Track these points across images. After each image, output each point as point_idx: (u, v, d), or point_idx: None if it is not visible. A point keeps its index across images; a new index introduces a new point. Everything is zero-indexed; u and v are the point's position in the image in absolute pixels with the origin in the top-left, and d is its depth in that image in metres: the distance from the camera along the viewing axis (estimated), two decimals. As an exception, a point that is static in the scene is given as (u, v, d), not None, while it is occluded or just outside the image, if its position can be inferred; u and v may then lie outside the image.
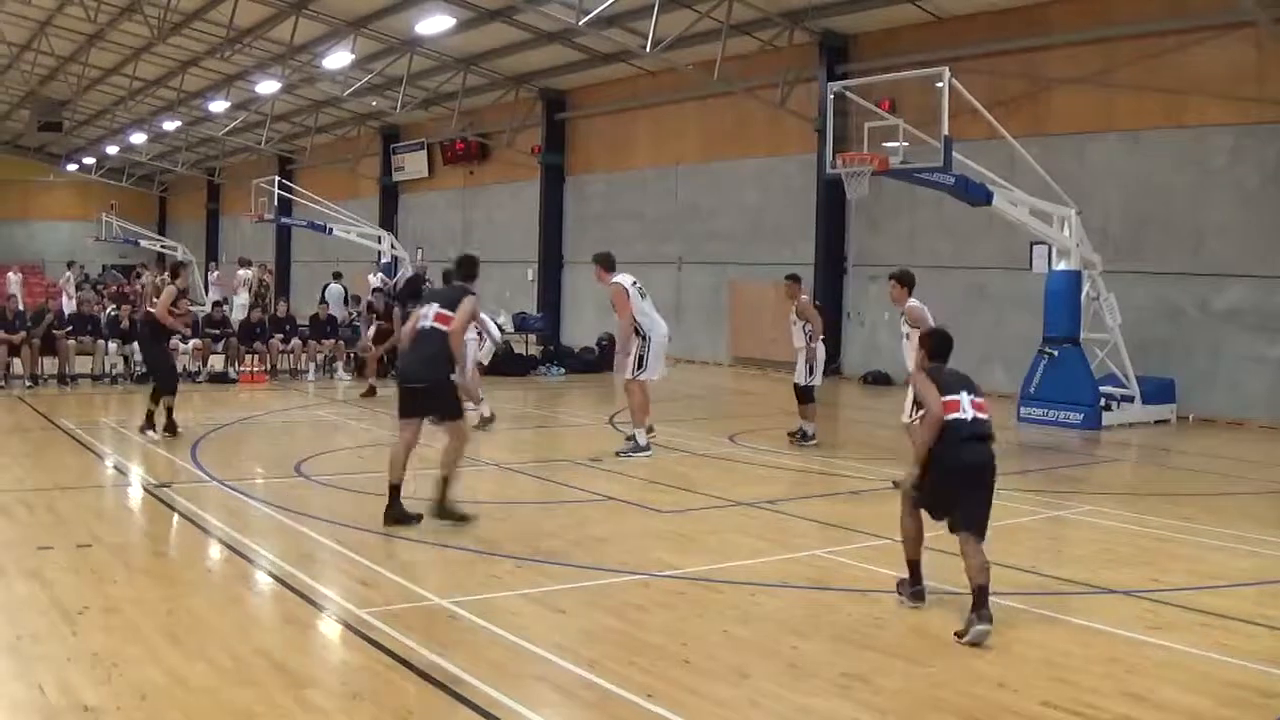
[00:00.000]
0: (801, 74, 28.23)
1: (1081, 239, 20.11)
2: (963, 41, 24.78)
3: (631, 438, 15.64)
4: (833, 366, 22.19)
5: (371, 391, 21.66)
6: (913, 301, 14.23)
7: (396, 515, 10.65)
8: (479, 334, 17.43)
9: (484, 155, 41.45)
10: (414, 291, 20.29)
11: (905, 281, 14.39)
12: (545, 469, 14.64)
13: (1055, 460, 16.00)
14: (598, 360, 29.01)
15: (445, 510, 10.72)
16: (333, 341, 26.19)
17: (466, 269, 11.65)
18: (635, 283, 15.89)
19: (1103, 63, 23.06)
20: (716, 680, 6.71)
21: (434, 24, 30.14)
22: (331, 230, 34.11)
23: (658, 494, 12.77)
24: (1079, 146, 23.31)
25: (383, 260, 33.98)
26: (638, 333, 15.55)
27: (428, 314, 11.06)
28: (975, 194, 18.36)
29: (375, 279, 29.96)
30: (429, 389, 10.95)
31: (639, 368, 15.55)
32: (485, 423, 17.32)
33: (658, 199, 34.34)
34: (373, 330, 24.04)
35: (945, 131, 17.24)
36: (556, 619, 7.95)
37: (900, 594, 8.45)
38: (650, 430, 15.90)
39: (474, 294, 11.26)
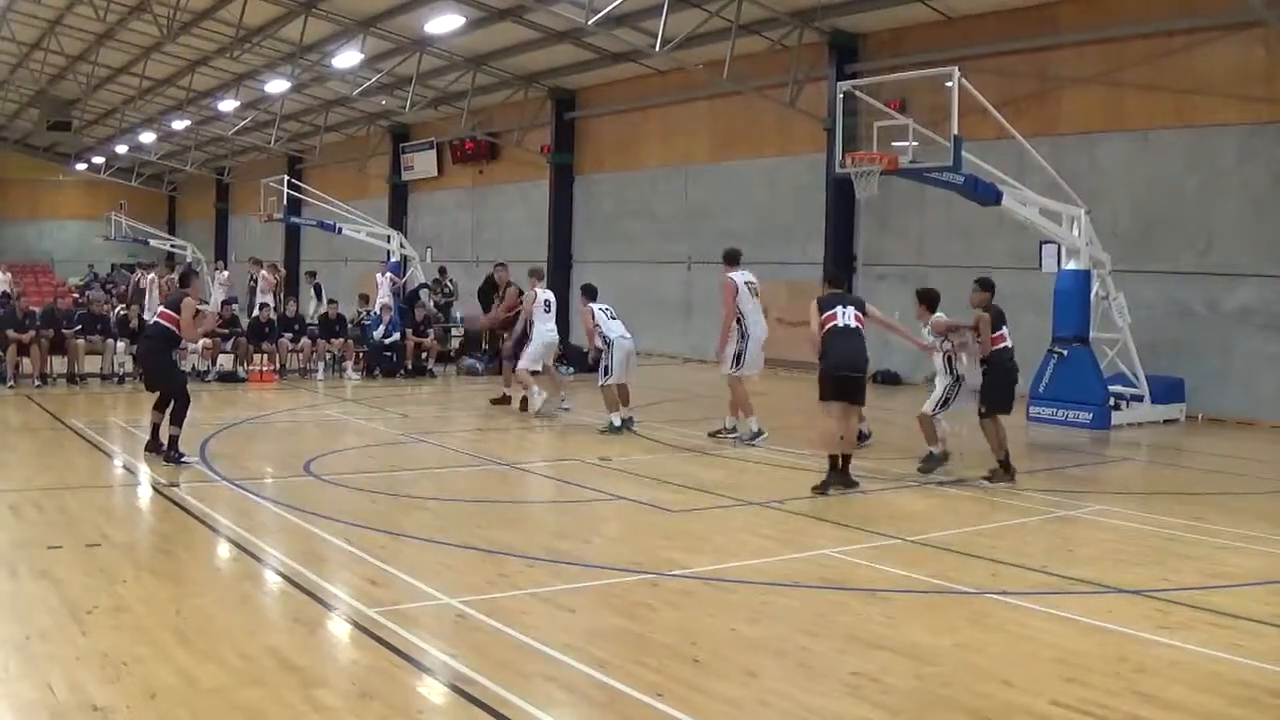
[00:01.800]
0: (811, 73, 28.14)
1: (1091, 238, 20.08)
2: (972, 41, 24.75)
3: (734, 429, 17.00)
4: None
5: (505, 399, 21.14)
6: (938, 315, 14.65)
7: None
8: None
9: (493, 155, 41.40)
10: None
11: (924, 299, 14.90)
12: (554, 468, 14.64)
13: (1065, 460, 15.97)
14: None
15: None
16: (342, 341, 26.18)
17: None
18: (749, 281, 16.93)
19: (1112, 62, 23.02)
20: (726, 680, 6.70)
21: (444, 23, 30.17)
22: (341, 229, 34.10)
23: (668, 493, 12.75)
24: (1088, 146, 23.27)
25: (392, 259, 33.99)
26: (740, 329, 16.55)
27: (846, 313, 13.14)
28: (985, 193, 18.34)
29: (385, 279, 29.98)
30: (861, 378, 13.29)
31: (738, 364, 16.63)
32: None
33: (667, 198, 34.31)
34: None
35: (955, 131, 17.21)
36: (566, 618, 7.94)
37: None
38: (732, 430, 17.15)
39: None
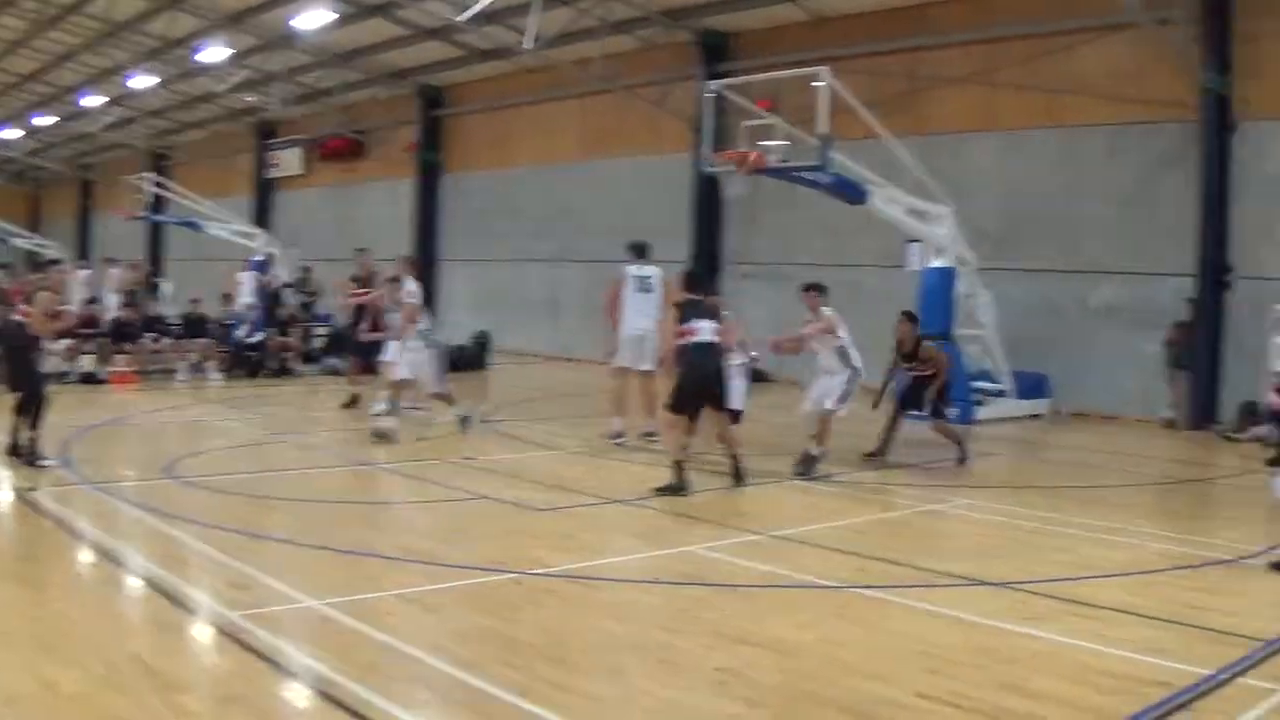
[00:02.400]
0: (681, 72, 28.17)
1: (957, 237, 20.27)
2: (843, 41, 24.87)
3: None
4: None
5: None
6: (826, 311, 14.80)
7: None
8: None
9: (360, 152, 40.97)
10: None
11: (815, 289, 15.17)
12: (418, 468, 14.42)
13: (930, 455, 16.07)
14: (472, 357, 28.68)
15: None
16: (204, 341, 25.67)
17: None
18: (643, 276, 16.83)
19: (984, 63, 23.32)
20: (592, 678, 6.64)
21: (312, 18, 29.74)
22: (204, 227, 33.49)
23: (533, 492, 12.60)
24: (958, 146, 23.53)
25: (256, 258, 33.44)
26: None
27: (705, 326, 13.30)
28: (852, 193, 18.43)
29: (247, 276, 29.46)
30: (719, 392, 13.37)
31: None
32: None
33: (535, 197, 34.14)
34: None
35: (823, 130, 17.27)
36: (430, 619, 7.83)
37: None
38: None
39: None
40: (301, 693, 6.36)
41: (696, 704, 6.25)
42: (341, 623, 7.51)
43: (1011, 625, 7.81)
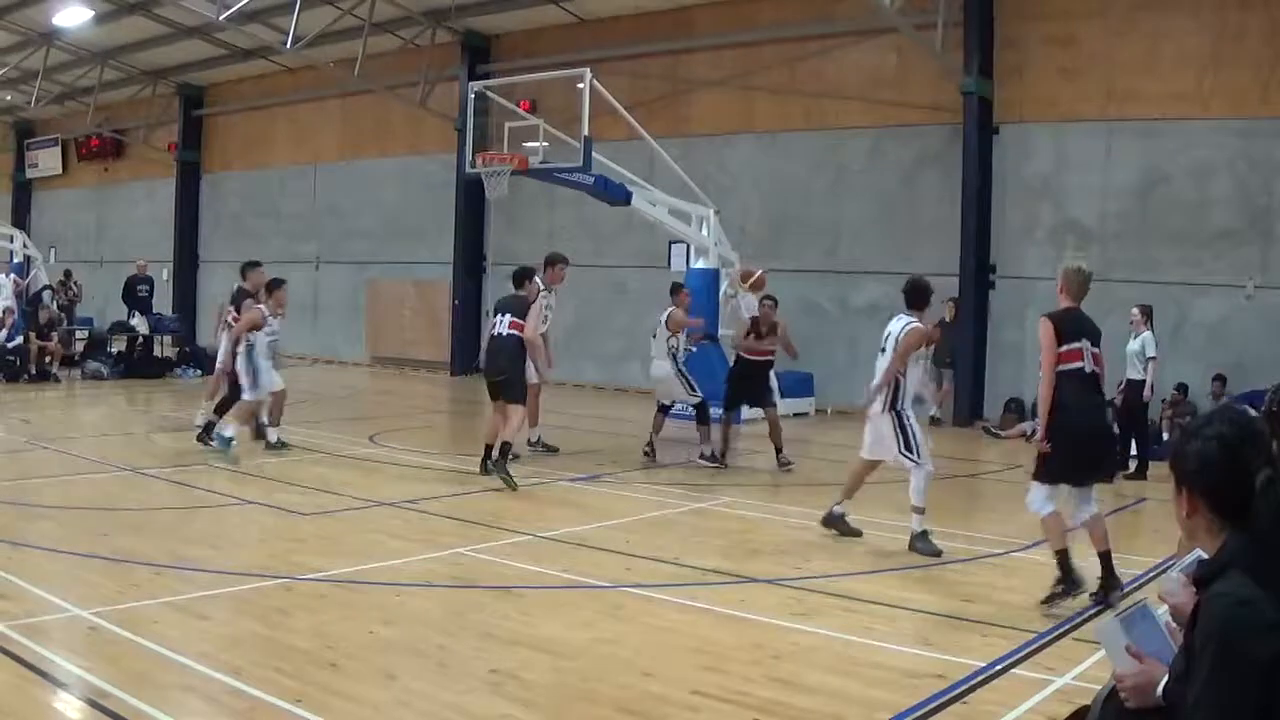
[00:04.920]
0: (443, 73, 28.01)
1: (720, 238, 20.48)
2: (605, 43, 25.01)
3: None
4: (474, 364, 22.03)
5: None
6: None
7: None
8: None
9: (119, 152, 39.84)
10: None
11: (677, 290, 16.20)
12: (181, 473, 13.96)
13: (696, 453, 16.15)
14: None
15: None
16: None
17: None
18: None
19: (744, 66, 23.63)
20: (365, 682, 6.47)
21: (72, 15, 28.79)
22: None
23: (298, 496, 12.34)
24: (719, 147, 23.82)
25: (14, 260, 32.22)
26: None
27: (503, 320, 13.61)
28: (614, 194, 18.50)
29: (7, 280, 28.37)
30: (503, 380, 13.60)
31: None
32: None
33: (296, 197, 33.68)
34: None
35: (585, 132, 17.38)
36: (200, 626, 7.53)
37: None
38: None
39: None
40: (73, 704, 6.10)
41: (471, 707, 6.14)
42: (111, 632, 7.21)
43: (783, 621, 7.85)
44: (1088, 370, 8.40)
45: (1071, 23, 20.13)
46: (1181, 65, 19.07)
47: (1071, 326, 8.44)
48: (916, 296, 10.95)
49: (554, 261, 15.82)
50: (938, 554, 10.16)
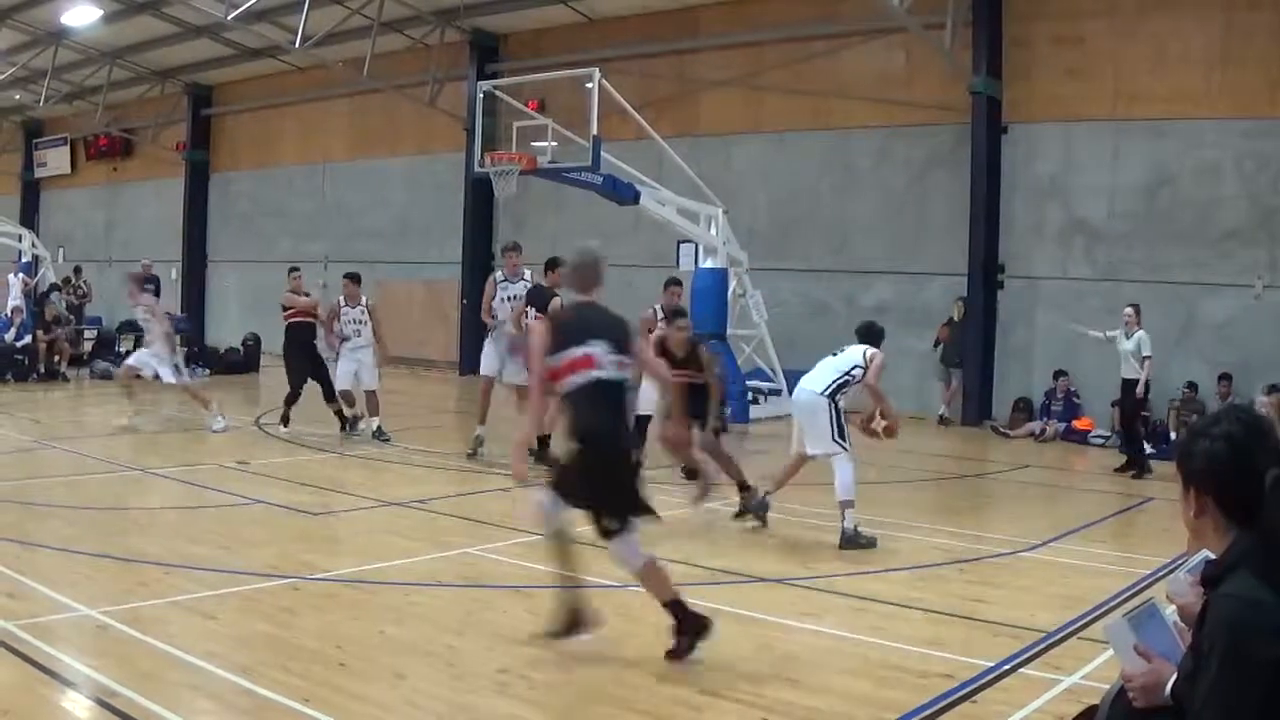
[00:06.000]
0: (451, 72, 28.02)
1: (728, 238, 20.49)
2: (614, 43, 25.02)
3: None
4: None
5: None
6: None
7: None
8: None
9: (128, 151, 39.86)
10: None
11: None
12: (191, 473, 14.00)
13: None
14: (243, 361, 28.22)
15: None
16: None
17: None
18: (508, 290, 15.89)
19: (752, 65, 23.63)
20: (374, 682, 6.47)
21: (81, 15, 28.84)
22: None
23: (306, 496, 12.37)
24: (727, 147, 23.82)
25: (23, 260, 32.26)
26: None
27: None
28: (623, 193, 18.53)
29: (16, 280, 28.42)
30: None
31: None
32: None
33: (305, 197, 33.72)
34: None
35: (594, 131, 17.38)
36: (208, 625, 7.53)
37: None
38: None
39: None
40: (81, 703, 6.10)
41: (480, 706, 6.16)
42: (119, 631, 7.22)
43: (792, 620, 7.86)
44: None
45: (1080, 23, 20.15)
46: (1189, 65, 19.09)
47: None
48: (874, 338, 11.97)
49: (508, 250, 15.93)
50: (873, 544, 10.31)
